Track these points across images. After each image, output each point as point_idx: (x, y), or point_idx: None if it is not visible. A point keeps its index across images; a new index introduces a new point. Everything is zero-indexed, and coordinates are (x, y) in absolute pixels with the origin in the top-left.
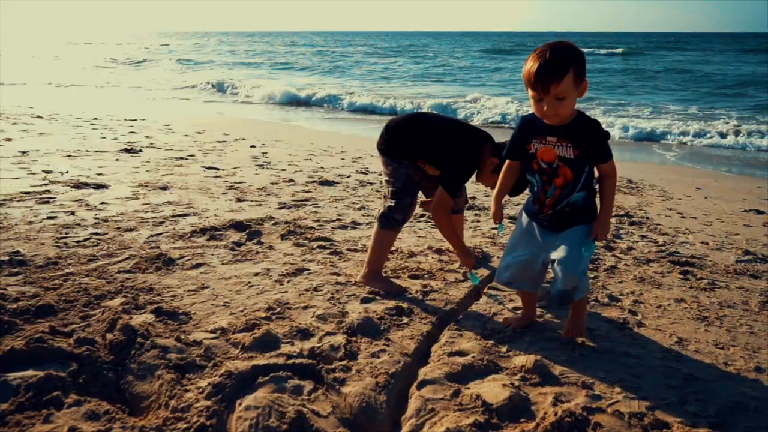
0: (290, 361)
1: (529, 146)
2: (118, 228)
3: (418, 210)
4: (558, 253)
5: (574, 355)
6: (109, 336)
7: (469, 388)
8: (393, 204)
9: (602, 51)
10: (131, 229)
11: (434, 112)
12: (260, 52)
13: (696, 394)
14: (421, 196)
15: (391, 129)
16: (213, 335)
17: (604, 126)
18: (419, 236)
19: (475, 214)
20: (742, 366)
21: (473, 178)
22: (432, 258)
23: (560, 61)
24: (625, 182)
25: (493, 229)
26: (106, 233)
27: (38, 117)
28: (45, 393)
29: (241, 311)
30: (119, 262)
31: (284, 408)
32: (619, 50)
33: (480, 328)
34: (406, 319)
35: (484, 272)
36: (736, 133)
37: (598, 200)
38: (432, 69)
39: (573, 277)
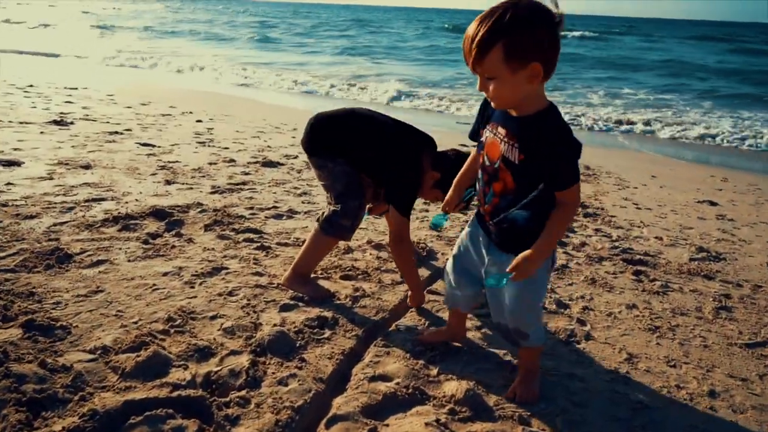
0: (175, 394)
1: (482, 131)
2: (17, 215)
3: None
4: (509, 290)
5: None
6: None
7: (387, 425)
8: (339, 208)
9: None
10: (32, 216)
11: (366, 108)
12: (197, 21)
13: (644, 429)
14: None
15: (318, 126)
16: (91, 356)
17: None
18: (360, 227)
19: (424, 203)
20: (695, 389)
21: None
22: (370, 255)
23: (489, 31)
24: (582, 168)
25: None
26: (1, 221)
27: None
28: None
29: (135, 323)
30: (4, 258)
31: None
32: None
33: (411, 344)
34: (328, 333)
35: (424, 272)
36: (685, 121)
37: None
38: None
39: (520, 321)
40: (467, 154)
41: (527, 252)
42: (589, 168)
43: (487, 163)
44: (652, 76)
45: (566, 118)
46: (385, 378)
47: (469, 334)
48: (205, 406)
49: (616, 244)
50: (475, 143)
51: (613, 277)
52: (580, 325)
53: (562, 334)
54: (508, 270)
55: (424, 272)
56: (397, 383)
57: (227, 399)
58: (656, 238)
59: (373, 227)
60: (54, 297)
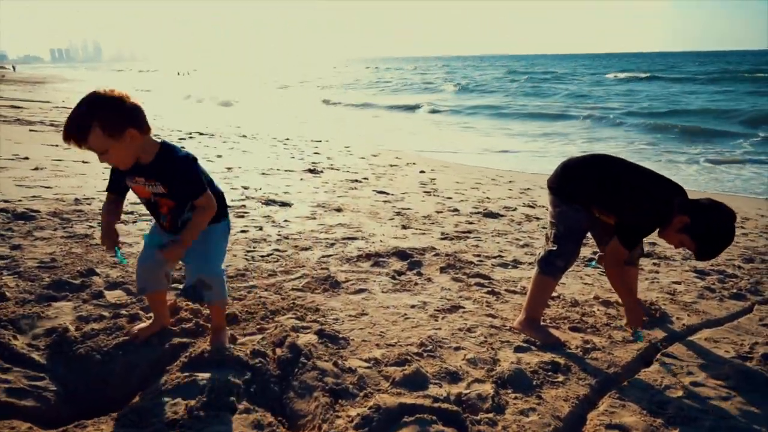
0: (436, 405)
1: (125, 182)
2: (296, 246)
3: (585, 252)
4: (193, 256)
5: None
6: (278, 351)
7: None
8: (555, 249)
9: None
10: (306, 249)
11: (618, 156)
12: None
13: None
14: (591, 244)
15: (568, 168)
16: (367, 365)
17: None
18: (585, 283)
19: (654, 263)
20: None
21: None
22: (598, 310)
23: (81, 119)
24: None
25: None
26: (286, 251)
27: (243, 136)
28: (223, 396)
29: (395, 343)
30: (293, 279)
31: None
32: None
33: (647, 402)
34: (561, 377)
35: (658, 334)
36: None
37: None
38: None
39: (205, 276)
40: (721, 204)
41: (176, 237)
42: None
43: (143, 200)
44: None
45: None
46: (622, 428)
47: (714, 403)
48: (461, 420)
49: None
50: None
51: None
52: None
53: None
54: (164, 252)
55: (658, 334)
56: None
57: (478, 417)
58: None
59: (600, 283)
60: (333, 314)
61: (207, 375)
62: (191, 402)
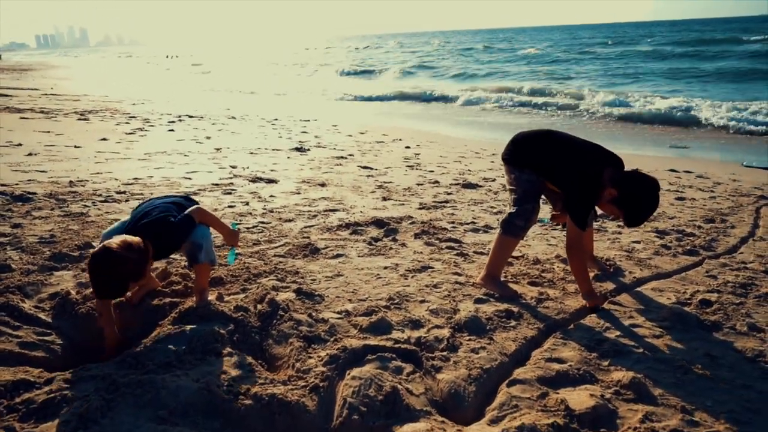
0: (397, 346)
1: None
2: (280, 218)
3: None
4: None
5: (684, 380)
6: (259, 306)
7: (557, 393)
8: (514, 210)
9: None
10: (290, 220)
11: (565, 132)
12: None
13: None
14: (548, 209)
15: (517, 142)
16: (338, 316)
17: None
18: (550, 244)
19: (618, 225)
20: None
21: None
22: (557, 267)
23: (118, 287)
24: None
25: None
26: (270, 222)
27: (232, 118)
28: (209, 344)
29: (366, 299)
30: (276, 247)
31: (383, 382)
32: None
33: (587, 340)
34: (513, 323)
35: (608, 286)
36: None
37: None
38: None
39: (195, 238)
40: (650, 177)
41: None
42: None
43: None
44: None
45: None
46: (560, 361)
47: (647, 340)
48: (417, 357)
49: None
50: None
51: None
52: None
53: (749, 353)
54: None
55: (609, 286)
56: (570, 365)
57: (433, 355)
58: None
59: (562, 244)
60: (311, 276)
61: (195, 327)
62: (181, 348)
